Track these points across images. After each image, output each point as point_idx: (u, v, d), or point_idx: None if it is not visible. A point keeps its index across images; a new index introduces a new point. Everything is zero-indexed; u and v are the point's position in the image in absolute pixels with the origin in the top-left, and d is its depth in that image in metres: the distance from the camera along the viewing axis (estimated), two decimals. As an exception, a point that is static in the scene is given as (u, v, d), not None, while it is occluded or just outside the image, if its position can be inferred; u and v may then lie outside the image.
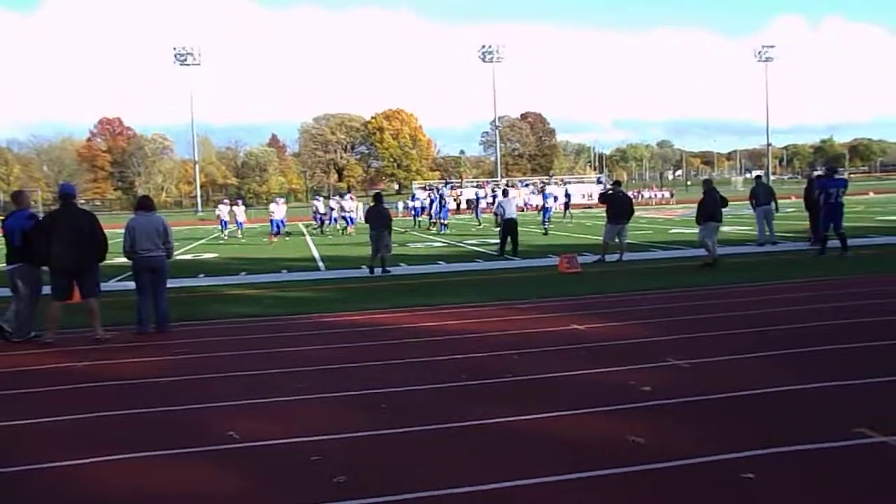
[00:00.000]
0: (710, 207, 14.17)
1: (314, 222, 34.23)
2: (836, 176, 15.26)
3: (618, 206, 15.72)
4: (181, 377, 6.55)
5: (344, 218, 30.79)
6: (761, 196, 17.65)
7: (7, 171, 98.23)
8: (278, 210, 29.65)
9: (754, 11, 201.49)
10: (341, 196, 37.76)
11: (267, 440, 4.62)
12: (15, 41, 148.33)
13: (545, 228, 26.15)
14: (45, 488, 4.04)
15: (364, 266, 15.50)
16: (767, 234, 17.63)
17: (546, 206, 28.33)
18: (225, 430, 4.81)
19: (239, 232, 31.95)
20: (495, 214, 18.58)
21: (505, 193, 19.57)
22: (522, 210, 30.45)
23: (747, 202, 18.83)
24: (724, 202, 14.58)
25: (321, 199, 35.83)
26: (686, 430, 4.50)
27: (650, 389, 5.43)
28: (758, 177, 21.06)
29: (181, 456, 4.42)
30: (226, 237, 31.09)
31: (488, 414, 4.96)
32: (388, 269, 14.75)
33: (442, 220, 30.20)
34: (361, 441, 4.57)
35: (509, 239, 17.45)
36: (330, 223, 32.20)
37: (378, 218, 14.91)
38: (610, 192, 16.91)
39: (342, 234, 30.09)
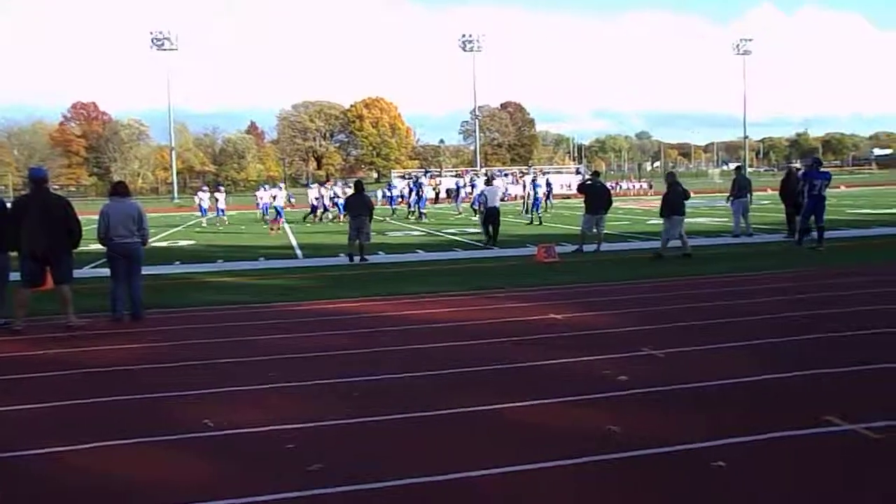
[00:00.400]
0: (674, 201, 14.26)
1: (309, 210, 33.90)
2: (821, 169, 15.38)
3: (596, 196, 15.79)
4: (155, 365, 6.47)
5: (336, 205, 30.72)
6: (741, 187, 17.83)
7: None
8: (280, 196, 30.02)
9: (734, 4, 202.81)
10: (335, 184, 37.94)
11: (242, 428, 4.58)
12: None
13: (539, 217, 25.82)
14: (13, 476, 3.98)
15: (342, 254, 15.44)
16: (744, 225, 17.81)
17: (536, 195, 28.17)
18: (200, 418, 4.76)
19: (218, 220, 31.73)
20: (474, 204, 18.49)
21: (489, 182, 19.35)
22: (503, 200, 30.37)
23: (726, 194, 18.99)
24: (687, 195, 14.68)
25: (315, 186, 35.55)
26: (660, 419, 4.54)
27: (626, 378, 5.47)
28: (738, 168, 21.24)
29: (154, 444, 4.38)
30: (205, 224, 30.89)
31: (464, 402, 4.97)
32: (367, 257, 14.70)
33: (420, 209, 30.19)
34: (336, 429, 4.55)
35: (490, 227, 17.44)
36: (324, 211, 31.98)
37: (359, 206, 14.85)
38: (588, 182, 16.96)
39: (333, 221, 29.97)
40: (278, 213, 28.97)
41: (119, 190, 9.12)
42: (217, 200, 32.57)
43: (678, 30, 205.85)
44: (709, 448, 3.97)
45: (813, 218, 14.67)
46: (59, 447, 4.33)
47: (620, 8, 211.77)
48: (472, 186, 34.82)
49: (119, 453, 4.24)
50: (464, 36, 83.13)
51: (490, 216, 17.42)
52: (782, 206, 17.46)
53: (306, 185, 38.84)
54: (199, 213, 32.92)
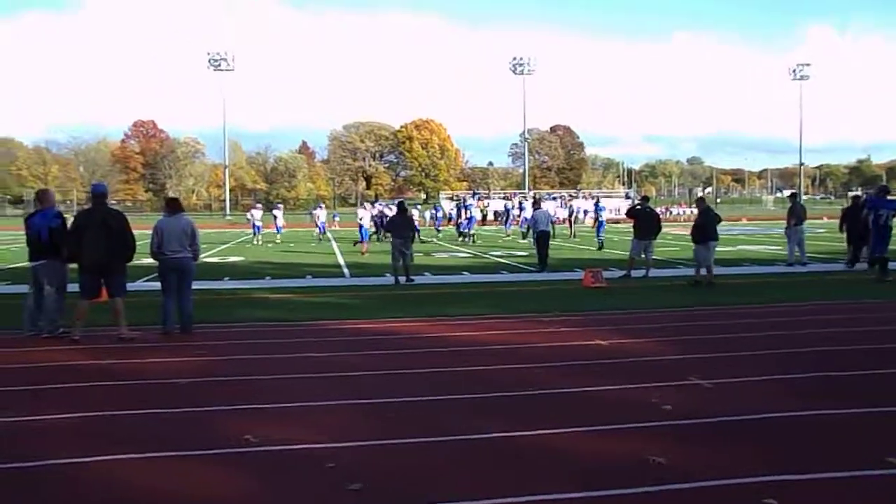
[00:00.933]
0: (708, 226, 13.94)
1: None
2: (889, 197, 14.75)
3: (645, 221, 15.58)
4: (201, 378, 6.57)
5: (376, 224, 31.05)
6: (798, 216, 17.27)
7: (45, 171, 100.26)
8: (322, 215, 30.95)
9: (790, 27, 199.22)
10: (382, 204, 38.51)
11: (283, 445, 4.60)
12: (57, 43, 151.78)
13: (600, 240, 25.51)
14: (56, 485, 4.05)
15: (388, 274, 15.51)
16: (798, 254, 17.29)
17: (600, 219, 27.64)
18: (241, 434, 4.80)
19: (278, 237, 32.32)
20: (524, 226, 18.23)
21: (537, 205, 18.99)
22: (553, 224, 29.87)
23: (779, 221, 18.52)
24: (719, 219, 14.34)
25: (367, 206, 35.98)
26: (707, 452, 4.40)
27: (671, 408, 5.33)
28: (792, 195, 20.55)
29: (195, 458, 4.42)
30: (258, 242, 30.72)
31: (505, 428, 4.90)
32: (412, 277, 14.73)
33: (469, 231, 29.99)
34: (375, 449, 4.53)
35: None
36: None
37: (402, 227, 14.92)
38: (638, 207, 16.74)
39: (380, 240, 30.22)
40: (362, 234, 29.18)
41: (173, 206, 9.36)
42: (275, 218, 33.00)
43: (731, 54, 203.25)
44: (759, 483, 3.83)
45: (870, 248, 14.12)
46: (97, 457, 4.40)
47: (671, 31, 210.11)
48: (521, 209, 34.66)
49: (157, 466, 4.29)
50: (514, 59, 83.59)
51: (539, 240, 17.13)
52: (842, 236, 16.87)
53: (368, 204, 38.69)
54: (251, 231, 32.95)
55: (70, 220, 8.98)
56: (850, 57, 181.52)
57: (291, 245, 29.75)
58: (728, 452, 4.39)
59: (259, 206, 37.79)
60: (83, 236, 8.40)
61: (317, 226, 33.31)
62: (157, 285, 9.62)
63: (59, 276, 8.74)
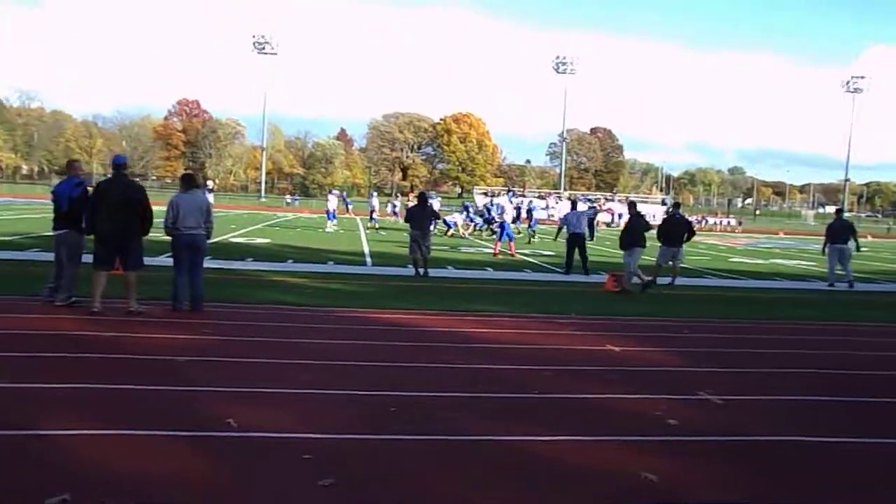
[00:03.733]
0: (634, 232, 13.58)
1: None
2: None
3: (673, 228, 15.17)
4: (199, 358, 6.47)
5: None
6: (836, 233, 16.39)
7: (91, 144, 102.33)
8: (333, 201, 30.59)
9: (841, 41, 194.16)
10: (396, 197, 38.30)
11: (263, 432, 4.46)
12: (107, 22, 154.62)
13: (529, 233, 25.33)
14: (32, 455, 3.96)
15: (410, 265, 15.36)
16: (842, 272, 16.16)
17: (532, 218, 27.60)
18: (224, 417, 4.67)
19: (376, 224, 33.31)
20: (559, 227, 17.64)
21: (573, 206, 18.09)
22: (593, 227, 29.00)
23: (818, 237, 17.86)
24: (648, 227, 13.96)
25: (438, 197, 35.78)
26: (705, 472, 4.15)
27: (676, 423, 5.08)
28: (838, 211, 19.71)
29: (174, 438, 4.30)
30: (331, 229, 30.32)
31: (500, 430, 4.71)
32: (428, 270, 14.48)
33: (533, 231, 29.61)
34: (360, 444, 4.37)
35: (577, 254, 16.27)
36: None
37: (420, 218, 14.67)
38: (667, 214, 16.32)
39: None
40: (447, 224, 29.07)
41: (189, 182, 9.29)
42: (330, 201, 33.07)
43: (781, 67, 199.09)
44: (753, 512, 3.58)
45: None
46: (75, 430, 4.32)
47: (724, 46, 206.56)
48: (530, 209, 33.37)
49: (135, 442, 4.18)
50: (558, 58, 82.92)
51: (575, 242, 16.39)
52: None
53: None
54: (327, 217, 32.45)
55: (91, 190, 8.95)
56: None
57: (319, 230, 29.82)
58: (723, 474, 4.13)
59: (335, 191, 38.05)
60: (100, 207, 8.37)
61: (327, 213, 32.83)
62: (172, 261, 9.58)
63: (75, 247, 8.72)
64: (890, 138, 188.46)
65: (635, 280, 13.64)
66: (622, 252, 13.88)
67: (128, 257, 8.55)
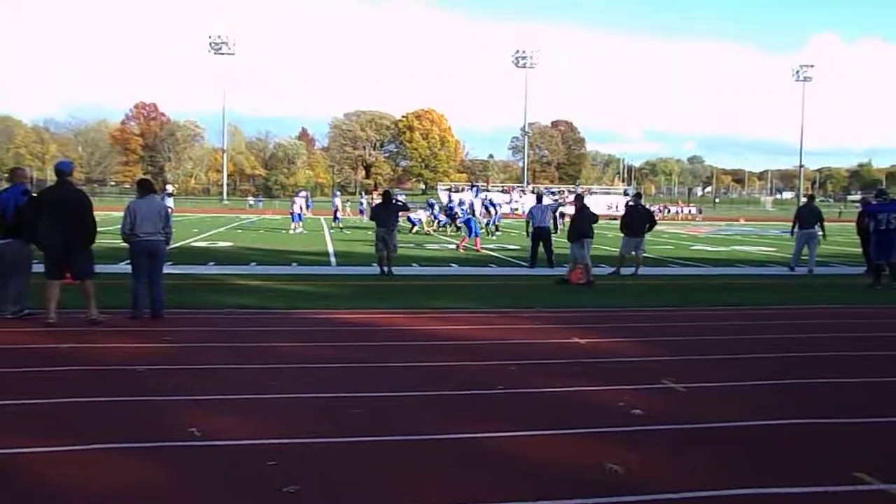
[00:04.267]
0: (582, 224, 13.67)
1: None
2: (887, 200, 13.91)
3: (636, 219, 15.34)
4: (161, 366, 6.35)
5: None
6: (805, 219, 16.47)
7: (43, 150, 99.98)
8: (300, 203, 30.39)
9: (793, 29, 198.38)
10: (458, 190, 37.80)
11: (227, 440, 4.39)
12: (59, 22, 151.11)
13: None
14: (-15, 476, 3.84)
15: (374, 263, 15.28)
16: (806, 257, 16.31)
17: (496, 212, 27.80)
18: (187, 426, 4.59)
19: (340, 224, 33.36)
20: (527, 222, 17.52)
21: (539, 199, 17.98)
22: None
23: (777, 222, 18.19)
24: (595, 219, 14.04)
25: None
26: (670, 461, 4.19)
27: (640, 413, 5.12)
28: (810, 196, 19.70)
29: (135, 451, 4.20)
30: (296, 231, 29.70)
31: (462, 428, 4.69)
32: (392, 269, 14.39)
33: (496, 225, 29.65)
34: (325, 448, 4.32)
35: (541, 248, 16.32)
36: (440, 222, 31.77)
37: (385, 216, 14.60)
38: (630, 204, 16.48)
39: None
40: (412, 221, 28.86)
41: (145, 187, 9.11)
42: (295, 203, 31.96)
43: (734, 55, 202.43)
44: (716, 498, 3.62)
45: (873, 254, 13.61)
46: (30, 448, 4.19)
47: (679, 35, 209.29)
48: (493, 205, 33.16)
49: (94, 458, 4.07)
50: (517, 52, 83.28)
51: (539, 236, 16.42)
52: (857, 240, 16.12)
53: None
54: (292, 219, 31.67)
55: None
56: (852, 62, 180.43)
57: (283, 232, 29.52)
58: (690, 462, 4.17)
59: (338, 193, 37.80)
60: (41, 216, 8.10)
61: (291, 215, 31.75)
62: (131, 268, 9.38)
63: (21, 257, 8.47)
64: (840, 124, 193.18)
65: (561, 270, 13.54)
66: (569, 244, 13.82)
67: (74, 266, 8.31)
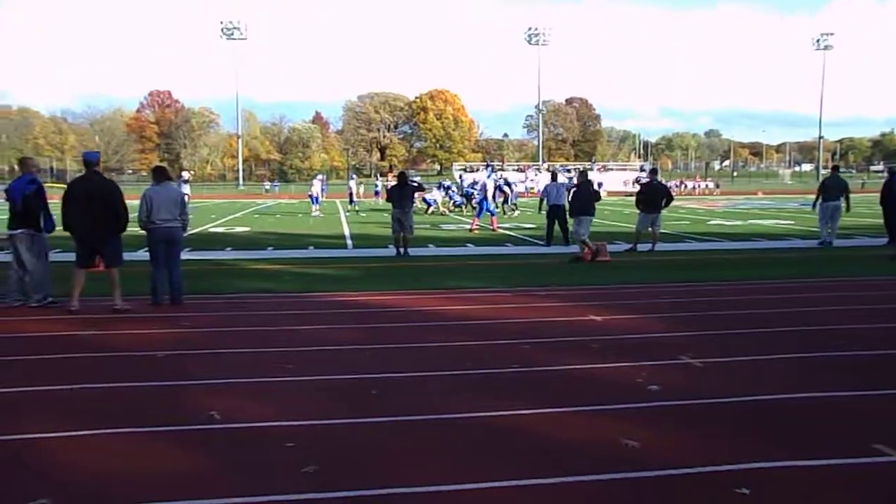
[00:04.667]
0: (584, 200, 13.57)
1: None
2: None
3: (651, 195, 15.23)
4: (181, 351, 6.43)
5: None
6: (829, 190, 15.95)
7: (62, 141, 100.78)
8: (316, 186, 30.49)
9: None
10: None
11: (247, 422, 4.45)
12: (70, 12, 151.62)
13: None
14: (10, 459, 3.93)
15: (391, 245, 15.32)
16: (829, 230, 15.99)
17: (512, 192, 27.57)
18: (207, 410, 4.65)
19: (356, 206, 33.09)
20: (541, 199, 17.41)
21: (553, 177, 17.73)
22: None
23: (796, 195, 17.88)
24: (598, 196, 13.99)
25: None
26: (686, 437, 4.19)
27: (658, 388, 5.12)
28: (835, 167, 19.11)
29: (157, 434, 4.28)
30: (317, 213, 30.13)
31: (481, 407, 4.72)
32: (408, 250, 14.43)
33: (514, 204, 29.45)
34: (343, 429, 4.37)
35: (557, 226, 16.23)
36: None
37: (401, 198, 14.61)
38: (646, 181, 16.34)
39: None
40: (427, 202, 29.16)
41: (161, 174, 9.17)
42: (314, 186, 32.37)
43: (749, 23, 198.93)
44: (733, 472, 3.62)
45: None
46: (59, 432, 4.28)
47: (687, 1, 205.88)
48: (508, 183, 33.04)
49: (117, 441, 4.15)
50: (530, 29, 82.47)
51: (554, 214, 16.27)
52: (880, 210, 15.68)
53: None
54: (311, 202, 32.00)
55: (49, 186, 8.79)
56: (873, 26, 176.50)
57: (300, 215, 29.66)
58: (707, 437, 4.17)
59: (354, 175, 38.09)
60: (71, 206, 8.24)
61: (310, 197, 32.06)
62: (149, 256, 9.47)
63: (36, 246, 8.59)
64: (861, 93, 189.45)
65: (574, 248, 13.54)
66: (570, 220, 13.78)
67: (104, 254, 8.45)
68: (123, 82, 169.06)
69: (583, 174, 14.72)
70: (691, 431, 4.28)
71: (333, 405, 4.83)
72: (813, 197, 16.96)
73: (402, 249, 14.37)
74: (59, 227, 8.67)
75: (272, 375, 5.57)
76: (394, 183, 15.61)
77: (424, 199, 30.33)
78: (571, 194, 14.25)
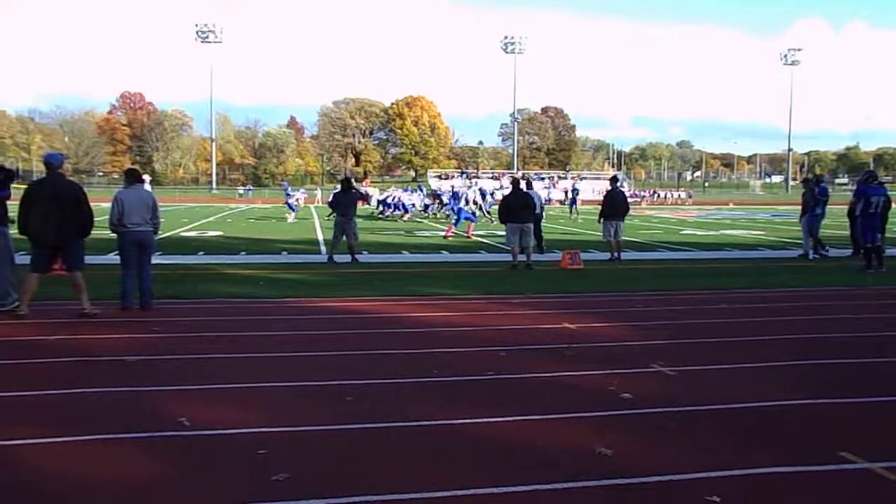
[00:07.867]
0: (514, 208, 13.62)
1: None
2: (876, 182, 13.74)
3: (611, 202, 15.17)
4: (150, 356, 6.33)
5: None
6: (805, 203, 15.77)
7: (28, 140, 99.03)
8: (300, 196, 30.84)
9: (778, 10, 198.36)
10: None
11: (217, 429, 4.39)
12: (44, 11, 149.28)
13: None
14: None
15: (365, 251, 15.25)
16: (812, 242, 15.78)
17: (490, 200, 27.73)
18: (177, 416, 4.58)
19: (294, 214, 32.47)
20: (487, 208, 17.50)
21: (529, 186, 17.78)
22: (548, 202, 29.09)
23: (766, 206, 18.19)
24: (524, 203, 13.84)
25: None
26: (658, 444, 4.21)
27: (630, 396, 5.15)
28: (816, 179, 17.54)
29: (124, 441, 4.20)
30: (292, 219, 29.86)
31: (455, 414, 4.71)
32: (357, 257, 14.33)
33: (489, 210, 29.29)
34: (314, 436, 4.32)
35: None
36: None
37: (345, 204, 14.50)
38: (608, 189, 16.42)
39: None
40: (405, 209, 29.31)
41: (133, 176, 9.04)
42: (293, 195, 32.20)
43: (722, 40, 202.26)
44: (704, 480, 3.64)
45: (861, 236, 13.53)
46: (25, 439, 4.18)
47: (665, 16, 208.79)
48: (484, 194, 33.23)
49: (83, 449, 4.07)
50: (506, 37, 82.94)
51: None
52: (847, 222, 15.91)
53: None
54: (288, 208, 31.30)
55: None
56: (838, 45, 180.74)
57: (273, 221, 29.44)
58: (678, 445, 4.20)
59: (303, 190, 38.44)
60: (33, 209, 8.02)
61: (287, 204, 31.74)
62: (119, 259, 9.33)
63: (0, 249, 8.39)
64: (827, 108, 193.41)
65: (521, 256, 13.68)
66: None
67: (66, 257, 8.25)
68: (94, 83, 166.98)
69: (516, 182, 14.60)
70: (663, 439, 4.30)
71: (307, 412, 4.78)
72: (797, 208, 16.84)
73: (348, 256, 14.20)
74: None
75: (244, 381, 5.50)
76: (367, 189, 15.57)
77: (403, 206, 30.36)
78: (500, 202, 14.21)
